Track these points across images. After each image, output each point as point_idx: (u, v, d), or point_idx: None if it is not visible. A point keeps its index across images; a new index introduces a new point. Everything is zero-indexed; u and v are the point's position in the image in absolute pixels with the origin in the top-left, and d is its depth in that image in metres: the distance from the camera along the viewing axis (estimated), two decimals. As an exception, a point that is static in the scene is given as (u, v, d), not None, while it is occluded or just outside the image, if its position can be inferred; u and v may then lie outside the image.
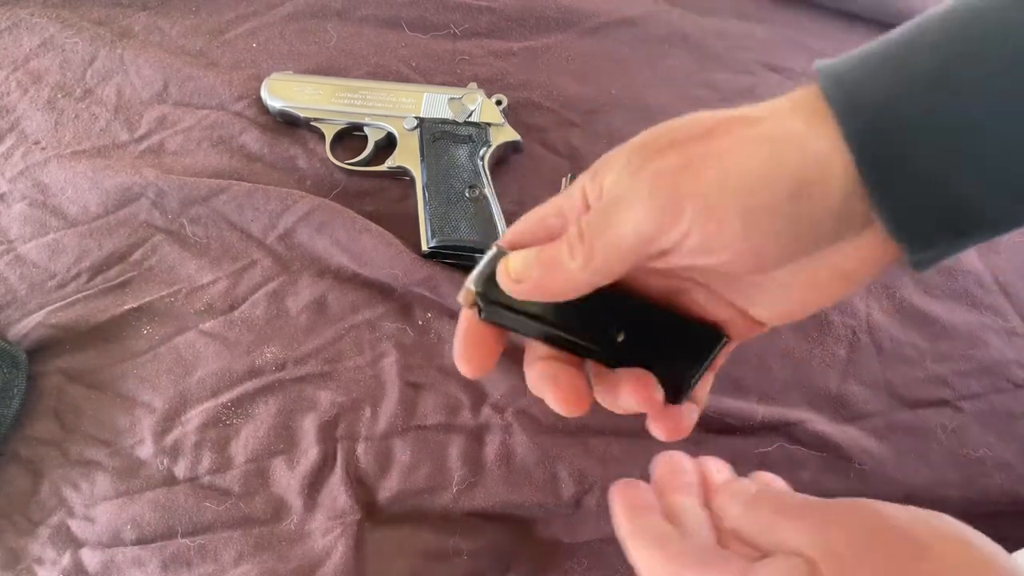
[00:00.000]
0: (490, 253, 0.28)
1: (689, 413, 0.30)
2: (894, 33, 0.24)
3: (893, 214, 0.23)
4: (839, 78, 0.24)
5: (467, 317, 0.30)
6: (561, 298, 0.27)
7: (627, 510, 0.28)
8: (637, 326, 0.29)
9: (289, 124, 0.56)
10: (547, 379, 0.29)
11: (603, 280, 0.26)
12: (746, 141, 0.24)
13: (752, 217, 0.24)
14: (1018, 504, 0.47)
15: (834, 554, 0.22)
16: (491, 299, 0.28)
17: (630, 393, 0.28)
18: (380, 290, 0.50)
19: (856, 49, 0.25)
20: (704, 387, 0.31)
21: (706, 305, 0.29)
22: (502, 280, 0.28)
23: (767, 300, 0.28)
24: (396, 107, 0.54)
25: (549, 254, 0.27)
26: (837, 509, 0.23)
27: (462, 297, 0.29)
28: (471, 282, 0.28)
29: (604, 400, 0.29)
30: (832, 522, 0.23)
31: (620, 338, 0.29)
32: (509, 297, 0.27)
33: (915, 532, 0.22)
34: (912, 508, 0.23)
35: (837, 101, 0.23)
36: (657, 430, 0.29)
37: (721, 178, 0.24)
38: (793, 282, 0.27)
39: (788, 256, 0.25)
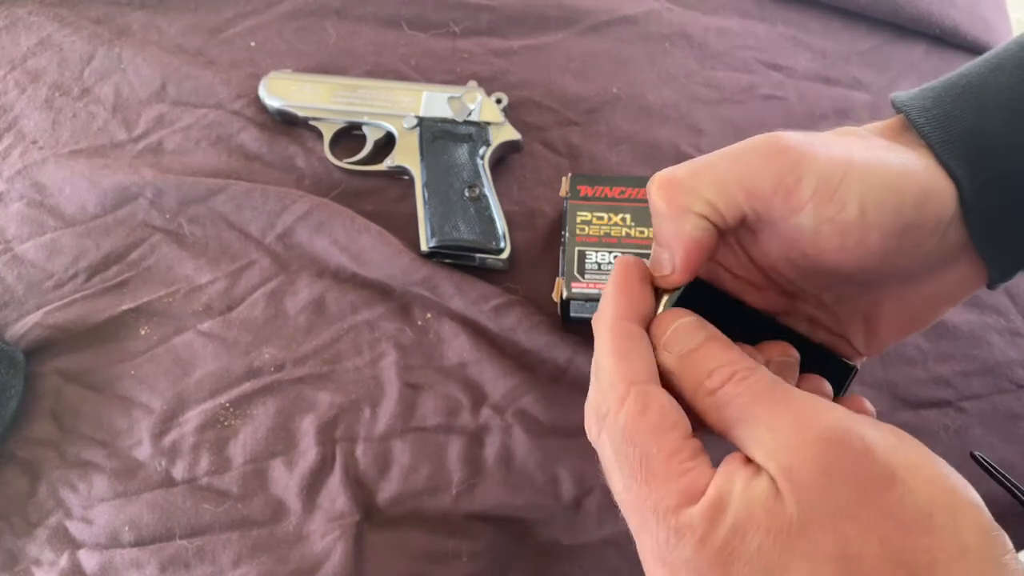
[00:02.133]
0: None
1: None
2: (975, 65, 0.26)
3: (992, 242, 0.25)
4: (927, 112, 0.26)
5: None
6: (686, 271, 0.26)
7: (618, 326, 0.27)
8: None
9: (288, 123, 0.55)
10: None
11: (713, 219, 0.25)
12: (875, 145, 0.26)
13: (871, 208, 0.24)
14: (1021, 506, 0.47)
15: (796, 477, 0.21)
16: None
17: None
18: (379, 290, 0.50)
19: (937, 81, 0.27)
20: None
21: (811, 332, 0.30)
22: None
23: (867, 330, 0.29)
24: (395, 106, 0.54)
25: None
26: (812, 420, 0.22)
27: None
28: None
29: None
30: (803, 435, 0.21)
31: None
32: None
33: (887, 459, 0.21)
34: (890, 429, 0.22)
35: (936, 139, 0.25)
36: None
37: (848, 159, 0.24)
38: (898, 311, 0.28)
39: (887, 265, 0.25)
